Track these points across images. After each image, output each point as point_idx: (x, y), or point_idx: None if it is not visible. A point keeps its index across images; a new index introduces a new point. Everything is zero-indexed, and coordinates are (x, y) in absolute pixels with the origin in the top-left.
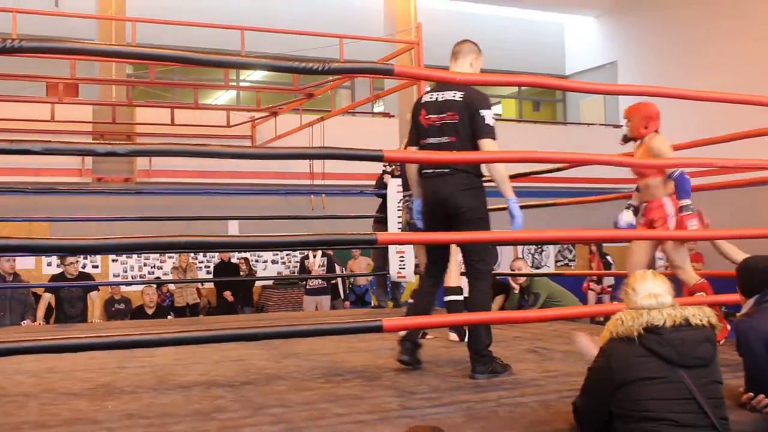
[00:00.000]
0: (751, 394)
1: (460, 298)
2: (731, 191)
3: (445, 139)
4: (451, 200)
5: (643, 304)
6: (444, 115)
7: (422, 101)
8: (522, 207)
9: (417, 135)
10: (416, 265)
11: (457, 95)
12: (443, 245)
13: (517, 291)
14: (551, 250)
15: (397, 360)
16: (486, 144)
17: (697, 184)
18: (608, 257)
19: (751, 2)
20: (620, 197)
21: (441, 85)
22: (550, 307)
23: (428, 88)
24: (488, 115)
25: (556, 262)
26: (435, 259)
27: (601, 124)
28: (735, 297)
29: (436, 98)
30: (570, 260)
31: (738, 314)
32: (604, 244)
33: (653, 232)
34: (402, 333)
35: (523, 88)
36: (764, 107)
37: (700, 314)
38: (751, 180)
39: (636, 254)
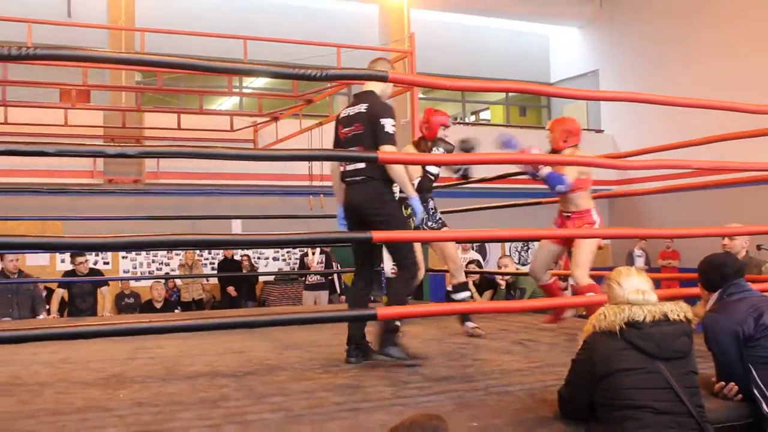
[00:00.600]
0: (722, 383)
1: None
2: (706, 192)
3: (354, 149)
4: (363, 207)
5: (630, 298)
6: (352, 127)
7: (339, 117)
8: (510, 206)
9: (337, 148)
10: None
11: (363, 108)
12: (369, 250)
13: (503, 287)
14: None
15: (347, 362)
16: (386, 150)
17: (674, 185)
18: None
19: (725, 15)
20: (600, 196)
21: (355, 100)
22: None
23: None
24: (388, 124)
25: None
26: (363, 262)
27: (584, 129)
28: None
29: (348, 113)
30: None
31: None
32: None
33: (609, 230)
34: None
35: (510, 94)
36: (735, 113)
37: (678, 310)
38: (724, 182)
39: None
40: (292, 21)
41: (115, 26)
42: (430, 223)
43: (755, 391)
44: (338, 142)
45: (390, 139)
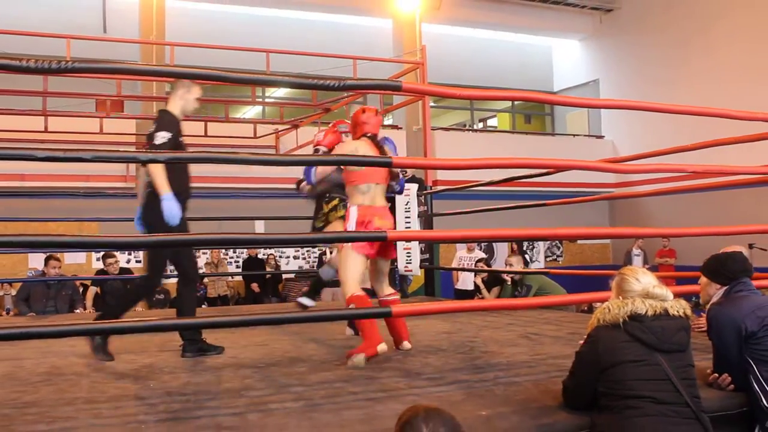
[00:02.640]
0: (716, 374)
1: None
2: (701, 194)
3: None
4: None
5: (657, 293)
6: (147, 143)
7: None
8: (516, 207)
9: None
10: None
11: (153, 127)
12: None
13: (509, 283)
14: (541, 247)
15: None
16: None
17: (671, 187)
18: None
19: (719, 26)
20: (600, 198)
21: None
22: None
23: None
24: (159, 136)
25: (546, 257)
26: (175, 263)
27: (585, 135)
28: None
29: (149, 130)
30: (558, 256)
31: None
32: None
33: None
34: None
35: (516, 102)
36: (729, 119)
37: (678, 306)
38: (718, 184)
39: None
40: (311, 35)
41: (146, 41)
42: None
43: (755, 386)
44: None
45: (154, 147)
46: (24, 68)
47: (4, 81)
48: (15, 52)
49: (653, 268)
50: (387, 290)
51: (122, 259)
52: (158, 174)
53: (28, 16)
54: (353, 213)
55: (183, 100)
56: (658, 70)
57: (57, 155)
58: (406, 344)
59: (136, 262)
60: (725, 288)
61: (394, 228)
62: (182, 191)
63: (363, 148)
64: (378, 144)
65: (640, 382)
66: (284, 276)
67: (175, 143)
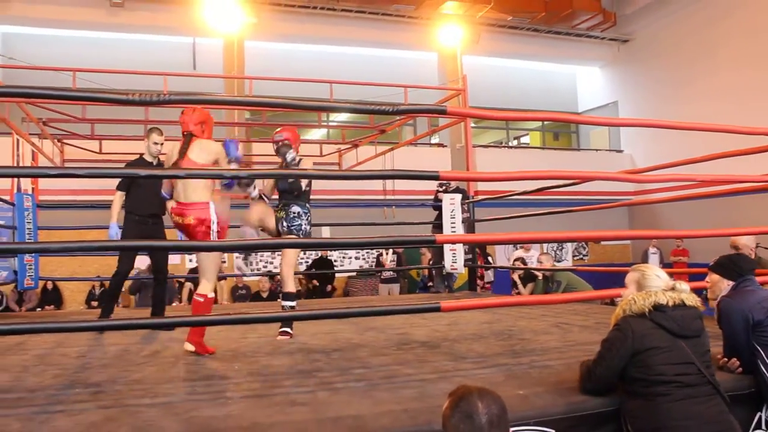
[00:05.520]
0: (726, 359)
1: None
2: (708, 200)
3: None
4: None
5: (683, 288)
6: None
7: None
8: (548, 213)
9: None
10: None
11: None
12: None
13: (540, 278)
14: (569, 247)
15: None
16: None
17: (683, 195)
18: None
19: (722, 52)
20: (621, 205)
21: None
22: (569, 291)
23: None
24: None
25: (573, 256)
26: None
27: (606, 150)
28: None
29: None
30: (584, 255)
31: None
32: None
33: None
34: None
35: (545, 122)
36: (733, 134)
37: (692, 298)
38: (724, 191)
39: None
40: (368, 67)
41: (229, 75)
42: None
43: (763, 368)
44: None
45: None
46: (131, 101)
47: (113, 112)
48: (121, 88)
49: (667, 265)
50: (200, 288)
51: None
52: (113, 204)
53: (131, 58)
54: (212, 209)
55: (146, 146)
56: (669, 92)
57: (157, 173)
58: (187, 345)
59: (222, 262)
60: (734, 283)
61: (201, 224)
62: (142, 210)
63: (176, 147)
64: (187, 140)
65: (668, 366)
66: (347, 273)
67: (128, 182)
